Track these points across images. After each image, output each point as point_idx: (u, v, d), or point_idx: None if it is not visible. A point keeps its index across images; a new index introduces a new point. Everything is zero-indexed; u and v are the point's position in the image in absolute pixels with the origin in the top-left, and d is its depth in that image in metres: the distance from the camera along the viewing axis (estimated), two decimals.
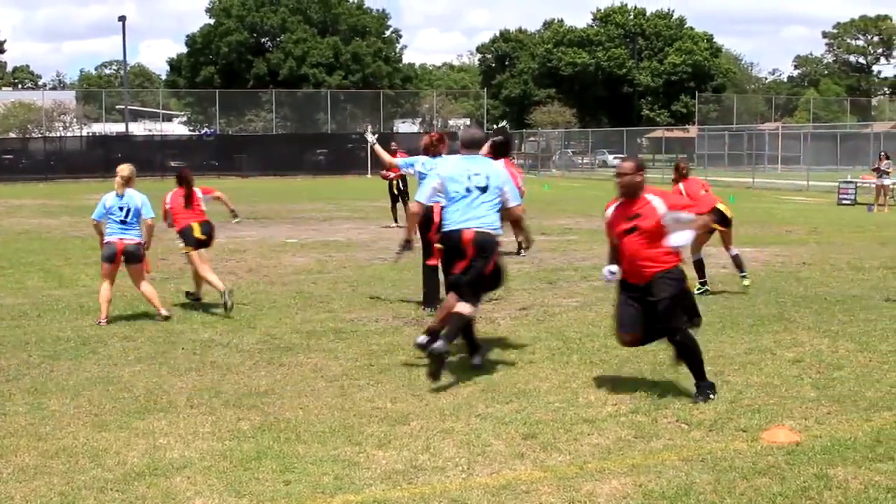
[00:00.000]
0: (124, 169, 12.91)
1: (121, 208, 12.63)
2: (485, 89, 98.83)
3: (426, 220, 12.21)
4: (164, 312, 12.55)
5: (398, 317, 12.77)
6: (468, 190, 9.69)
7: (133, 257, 12.69)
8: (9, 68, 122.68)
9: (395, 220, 26.08)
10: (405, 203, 26.08)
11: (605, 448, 7.31)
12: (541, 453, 7.20)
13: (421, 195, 10.11)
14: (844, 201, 36.67)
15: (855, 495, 6.29)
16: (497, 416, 8.14)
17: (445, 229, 9.85)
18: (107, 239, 12.68)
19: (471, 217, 9.62)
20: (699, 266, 14.28)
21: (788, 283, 15.19)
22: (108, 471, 6.85)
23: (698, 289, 14.01)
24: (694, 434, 7.62)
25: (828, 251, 19.84)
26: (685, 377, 9.23)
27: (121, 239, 12.61)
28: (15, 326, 12.23)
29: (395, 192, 26.23)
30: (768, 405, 8.36)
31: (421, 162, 12.93)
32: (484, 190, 9.70)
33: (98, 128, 78.61)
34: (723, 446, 7.28)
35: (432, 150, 13.02)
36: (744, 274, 14.56)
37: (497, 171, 9.95)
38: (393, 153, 26.27)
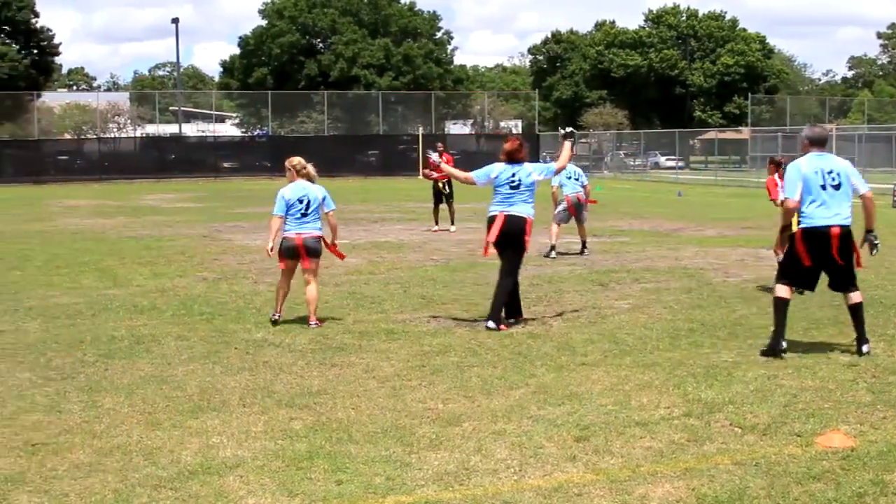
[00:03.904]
0: (299, 159, 12.48)
1: (300, 201, 12.17)
2: (536, 91, 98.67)
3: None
4: (314, 323, 12.15)
5: (450, 317, 12.77)
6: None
7: (313, 251, 12.24)
8: (64, 70, 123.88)
9: (437, 223, 25.99)
10: (451, 204, 26.00)
11: (658, 451, 7.27)
12: (593, 456, 7.16)
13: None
14: None
15: None
16: (549, 418, 8.12)
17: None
18: (284, 234, 12.25)
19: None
20: None
21: None
22: (161, 469, 6.90)
23: None
24: (748, 438, 7.56)
25: (883, 254, 19.57)
26: (739, 380, 9.18)
27: (299, 234, 12.16)
28: (70, 325, 12.36)
29: (440, 193, 26.08)
30: (823, 409, 8.28)
31: (498, 170, 12.59)
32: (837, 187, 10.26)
33: (151, 129, 79.38)
34: (777, 451, 7.22)
35: (516, 157, 12.63)
36: None
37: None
38: (440, 154, 26.31)
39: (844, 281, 10.43)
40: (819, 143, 10.54)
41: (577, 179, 20.02)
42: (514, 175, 12.42)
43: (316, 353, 10.63)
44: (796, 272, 10.41)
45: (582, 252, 19.97)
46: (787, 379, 9.27)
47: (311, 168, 12.51)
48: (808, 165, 10.31)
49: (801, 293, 11.66)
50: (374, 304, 13.79)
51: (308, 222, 12.21)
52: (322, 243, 12.41)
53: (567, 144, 13.29)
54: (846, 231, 10.19)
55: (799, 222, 10.38)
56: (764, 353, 10.22)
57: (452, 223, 25.91)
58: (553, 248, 19.58)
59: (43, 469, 6.91)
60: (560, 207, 20.06)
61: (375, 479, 6.68)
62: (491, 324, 12.06)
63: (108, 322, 12.57)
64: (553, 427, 7.86)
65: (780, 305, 10.37)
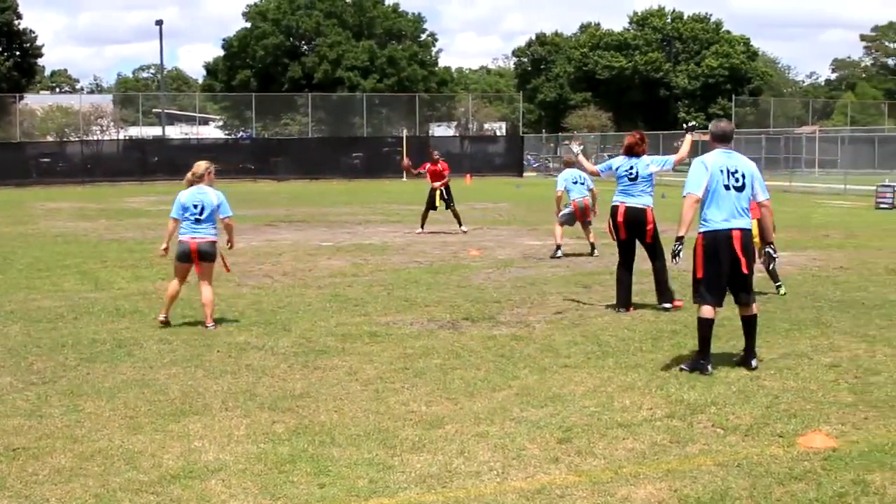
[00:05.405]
0: (199, 165, 12.69)
1: (195, 206, 12.31)
2: (520, 93, 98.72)
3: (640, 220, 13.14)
4: (210, 325, 12.24)
5: (433, 320, 12.76)
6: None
7: (207, 256, 12.38)
8: (47, 72, 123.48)
9: (422, 226, 25.92)
10: (453, 209, 25.84)
11: (641, 453, 7.28)
12: (576, 458, 7.17)
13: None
14: (882, 206, 36.33)
15: (892, 501, 6.24)
16: (532, 420, 8.12)
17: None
18: (180, 237, 12.40)
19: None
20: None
21: (825, 287, 15.09)
22: (143, 473, 6.88)
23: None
24: (730, 439, 7.58)
25: (865, 256, 19.70)
26: (721, 381, 9.20)
27: (193, 238, 12.29)
28: (51, 329, 12.32)
29: (438, 200, 25.87)
30: (805, 410, 8.31)
31: (619, 162, 13.51)
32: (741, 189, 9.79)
33: (135, 131, 78.99)
34: (759, 451, 7.24)
35: (635, 150, 13.41)
36: (779, 284, 14.40)
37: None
38: (435, 162, 26.26)
39: (745, 289, 9.88)
40: (724, 139, 10.06)
41: (582, 184, 19.98)
42: (631, 168, 13.27)
43: (298, 356, 10.61)
44: (708, 286, 9.72)
45: (592, 253, 20.07)
46: (769, 380, 9.29)
47: (201, 171, 12.65)
48: (713, 162, 9.83)
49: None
50: (358, 307, 13.78)
51: (203, 227, 12.36)
52: (216, 249, 12.53)
53: (688, 137, 13.51)
54: (748, 234, 9.80)
55: (698, 227, 9.91)
56: (685, 369, 9.69)
57: (461, 224, 25.82)
58: (559, 247, 19.68)
59: (23, 474, 6.89)
60: (565, 211, 20.06)
61: (358, 482, 6.68)
62: (667, 305, 13.15)
63: (89, 325, 12.53)
64: (536, 429, 7.86)
65: (704, 326, 9.74)
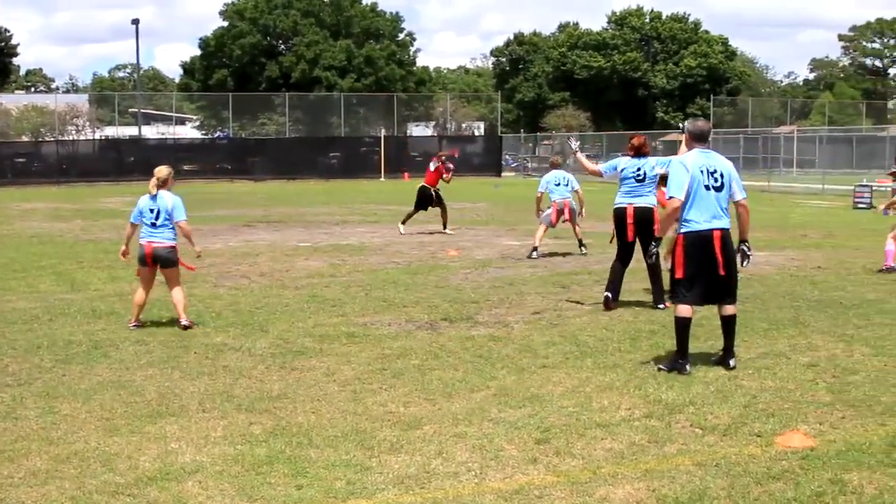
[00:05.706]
0: (161, 170, 12.69)
1: (151, 210, 12.33)
2: (499, 93, 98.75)
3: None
4: (184, 322, 12.22)
5: (411, 320, 12.74)
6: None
7: (165, 261, 12.37)
8: (22, 72, 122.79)
9: (403, 224, 25.83)
10: (444, 208, 25.79)
11: (619, 453, 7.27)
12: (554, 458, 7.16)
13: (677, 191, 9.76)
14: (860, 205, 36.43)
15: (870, 500, 6.25)
16: (510, 420, 8.11)
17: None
18: (139, 241, 12.44)
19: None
20: None
21: (803, 287, 15.12)
22: (119, 475, 6.84)
23: None
24: (708, 439, 7.58)
25: (843, 255, 19.76)
26: (699, 381, 9.20)
27: (149, 242, 12.30)
28: (27, 330, 12.24)
29: (428, 201, 25.79)
30: (783, 410, 8.31)
31: (624, 163, 13.58)
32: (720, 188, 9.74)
33: (111, 131, 78.56)
34: (737, 451, 7.24)
35: (643, 151, 13.55)
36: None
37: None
38: (443, 162, 26.27)
39: (724, 290, 9.80)
40: (701, 138, 10.09)
41: (566, 185, 19.88)
42: (639, 169, 13.37)
43: (276, 357, 10.57)
44: (688, 286, 9.70)
45: (581, 250, 20.15)
46: (747, 379, 9.29)
47: (164, 175, 12.66)
48: (693, 163, 9.79)
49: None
50: (335, 307, 13.74)
51: (159, 232, 12.38)
52: (175, 253, 12.49)
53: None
54: (727, 234, 9.72)
55: (679, 228, 9.84)
56: (664, 368, 9.68)
57: (445, 226, 25.74)
58: (535, 249, 19.60)
59: None
60: (546, 212, 19.93)
61: (336, 483, 6.66)
62: (661, 305, 13.15)
63: (65, 327, 12.46)
64: (514, 429, 7.85)
65: (682, 325, 9.72)
